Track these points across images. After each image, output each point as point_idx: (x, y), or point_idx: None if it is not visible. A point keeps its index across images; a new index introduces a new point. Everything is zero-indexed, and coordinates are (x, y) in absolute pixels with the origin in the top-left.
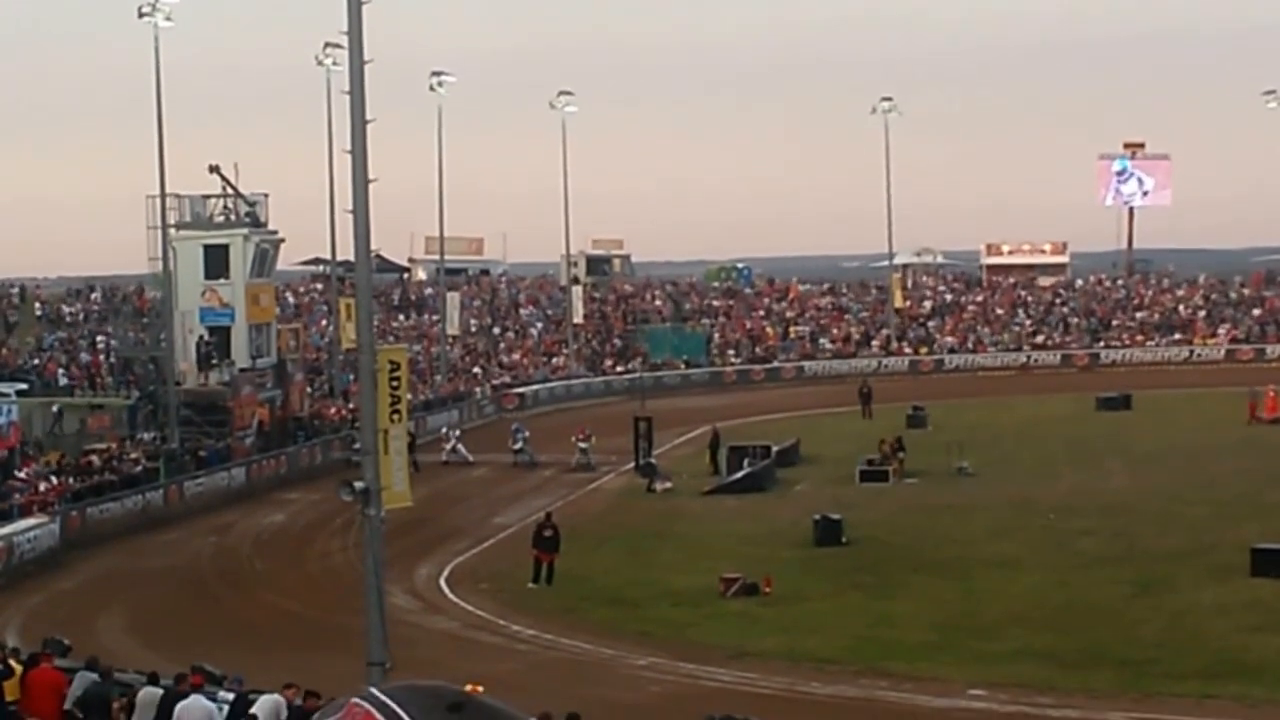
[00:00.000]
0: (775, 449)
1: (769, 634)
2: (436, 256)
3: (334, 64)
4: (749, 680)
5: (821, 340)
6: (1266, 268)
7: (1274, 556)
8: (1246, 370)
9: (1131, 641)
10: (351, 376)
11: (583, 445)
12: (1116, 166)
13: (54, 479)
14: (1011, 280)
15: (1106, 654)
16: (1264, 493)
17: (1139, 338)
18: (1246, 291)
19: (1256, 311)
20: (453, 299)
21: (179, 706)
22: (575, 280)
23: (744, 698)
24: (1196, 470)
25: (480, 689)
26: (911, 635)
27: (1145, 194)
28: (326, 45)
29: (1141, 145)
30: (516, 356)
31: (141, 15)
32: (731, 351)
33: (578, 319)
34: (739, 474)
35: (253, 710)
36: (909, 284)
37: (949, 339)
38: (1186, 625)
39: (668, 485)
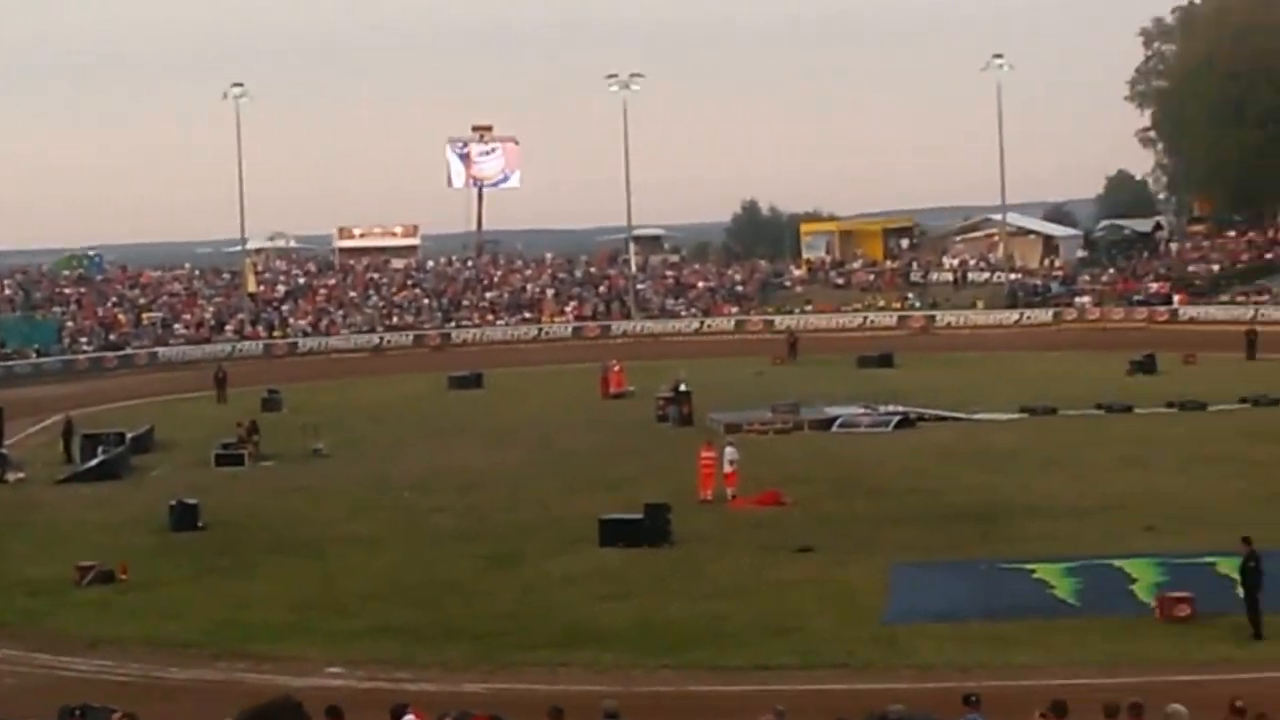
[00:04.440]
0: (130, 436)
1: (126, 621)
2: None
3: None
4: (106, 668)
5: (175, 326)
6: (611, 247)
7: (620, 526)
8: (594, 346)
9: (485, 614)
10: None
11: None
12: (474, 149)
13: None
14: (364, 263)
15: (462, 627)
16: (611, 465)
17: (489, 317)
18: (593, 270)
19: (602, 289)
20: None
21: None
22: None
23: (101, 686)
24: (547, 445)
25: None
26: (270, 616)
27: (493, 175)
28: None
29: (489, 128)
30: None
31: None
32: (84, 339)
33: None
34: (93, 462)
35: None
36: (262, 268)
37: (303, 322)
38: (538, 596)
39: (20, 475)
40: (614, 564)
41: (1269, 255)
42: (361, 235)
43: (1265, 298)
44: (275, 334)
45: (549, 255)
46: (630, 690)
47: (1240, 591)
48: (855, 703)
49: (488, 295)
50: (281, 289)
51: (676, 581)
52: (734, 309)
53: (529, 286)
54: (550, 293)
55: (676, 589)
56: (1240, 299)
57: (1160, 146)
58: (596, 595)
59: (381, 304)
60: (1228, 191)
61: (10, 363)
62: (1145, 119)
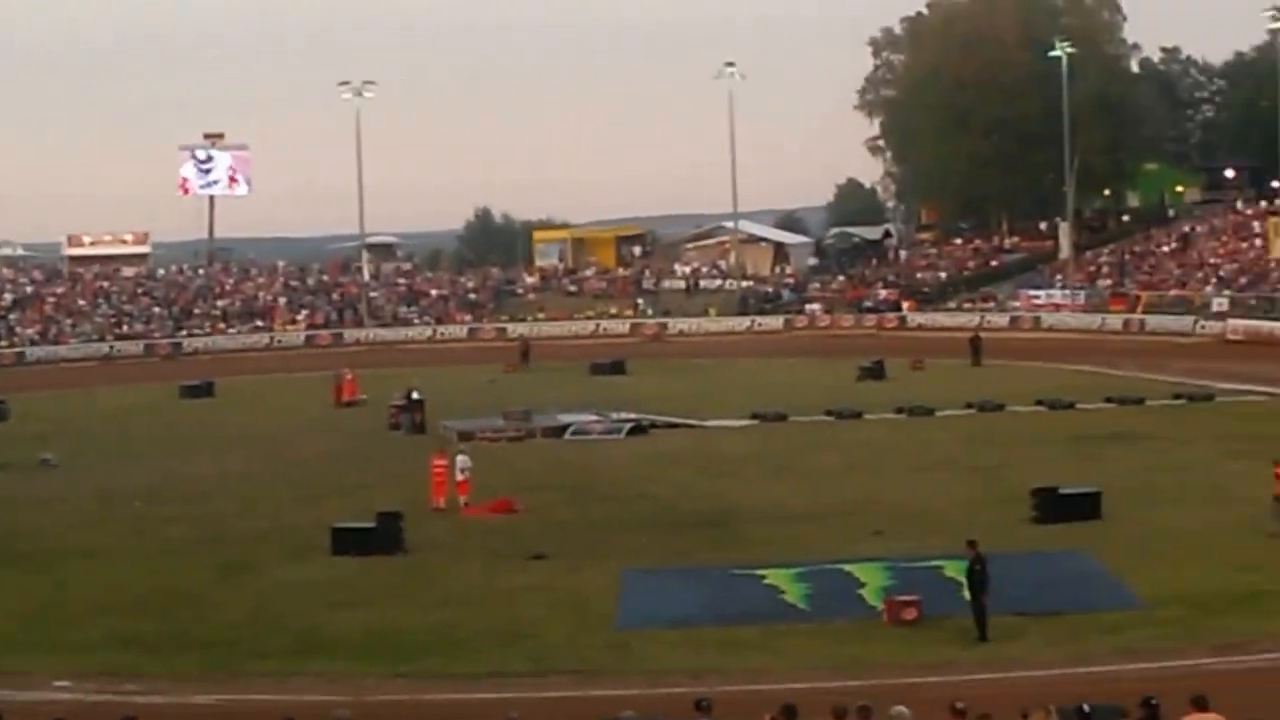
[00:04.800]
0: None
1: None
2: None
3: None
4: None
5: None
6: (343, 255)
7: (352, 535)
8: (326, 355)
9: (216, 624)
10: None
11: None
12: (200, 155)
13: None
14: (94, 270)
15: (192, 637)
16: (344, 474)
17: (221, 325)
18: (325, 278)
19: (334, 297)
20: None
21: None
22: None
23: None
24: (279, 454)
25: None
26: None
27: (225, 183)
28: None
29: (221, 135)
30: None
31: None
32: None
33: None
34: None
35: None
36: None
37: (30, 331)
38: (270, 605)
39: None
40: (346, 572)
41: (994, 263)
42: (91, 243)
43: (990, 304)
44: (2, 343)
45: (281, 263)
46: (363, 699)
47: (966, 594)
48: (588, 709)
49: (219, 304)
50: (8, 297)
51: (409, 590)
52: (467, 317)
53: (261, 295)
54: (282, 301)
55: (409, 597)
56: (967, 306)
57: (889, 155)
58: (329, 604)
59: (111, 312)
60: (955, 200)
61: None
62: (874, 128)
